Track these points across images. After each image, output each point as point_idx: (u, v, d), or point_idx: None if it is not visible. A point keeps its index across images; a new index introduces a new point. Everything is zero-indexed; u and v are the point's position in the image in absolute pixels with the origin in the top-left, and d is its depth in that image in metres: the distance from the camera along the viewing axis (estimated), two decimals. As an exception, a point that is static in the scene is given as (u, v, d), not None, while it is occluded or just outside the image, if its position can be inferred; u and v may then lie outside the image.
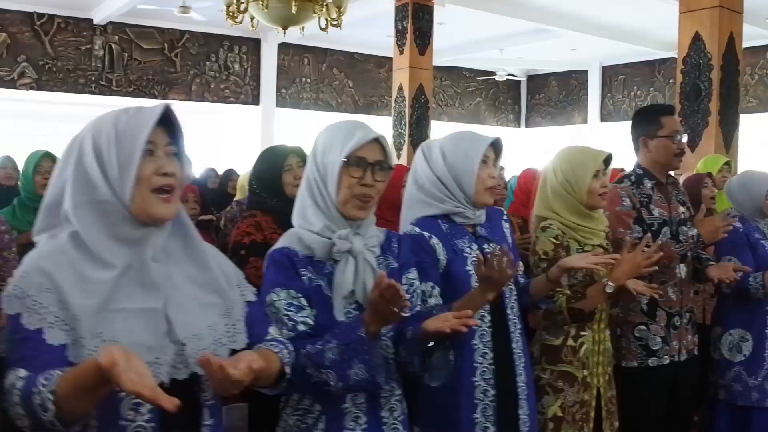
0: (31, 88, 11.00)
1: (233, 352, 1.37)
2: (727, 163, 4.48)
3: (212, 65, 12.51)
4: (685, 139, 2.82)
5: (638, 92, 14.37)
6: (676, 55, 13.60)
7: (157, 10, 10.62)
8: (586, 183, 2.35)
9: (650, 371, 2.66)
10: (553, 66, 15.29)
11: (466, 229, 2.10)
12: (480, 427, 1.98)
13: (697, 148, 6.64)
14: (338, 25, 6.65)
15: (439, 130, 15.29)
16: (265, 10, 6.22)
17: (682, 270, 2.73)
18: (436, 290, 1.94)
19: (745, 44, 12.77)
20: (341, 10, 6.48)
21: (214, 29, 12.01)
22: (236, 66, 12.74)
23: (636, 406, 2.63)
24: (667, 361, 2.69)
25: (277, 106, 13.08)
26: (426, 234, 2.03)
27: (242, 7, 6.33)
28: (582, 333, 2.35)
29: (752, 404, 3.04)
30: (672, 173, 2.95)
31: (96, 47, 11.48)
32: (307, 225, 1.73)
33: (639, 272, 2.19)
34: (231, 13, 6.39)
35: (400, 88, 9.70)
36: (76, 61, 11.35)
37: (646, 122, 2.81)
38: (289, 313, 1.64)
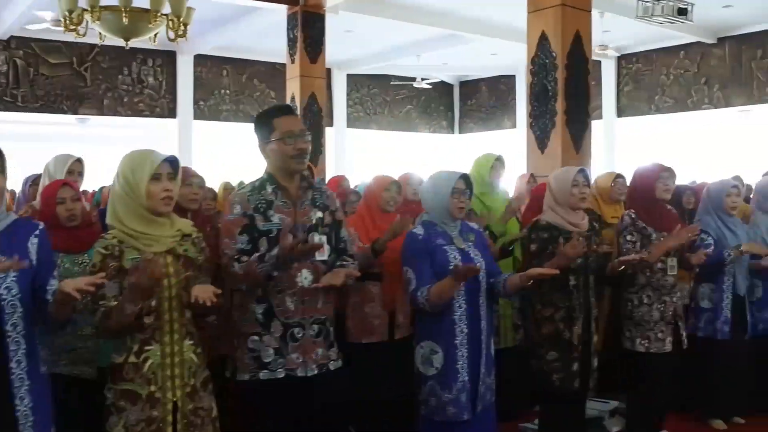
0: (-70, 106, 10.90)
1: None
2: (498, 159, 4.31)
3: (125, 79, 12.45)
4: (309, 138, 2.63)
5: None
6: (597, 58, 13.68)
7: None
8: (144, 185, 2.23)
9: (262, 385, 2.51)
10: (483, 71, 15.27)
11: None
12: None
13: (546, 150, 6.59)
14: (183, 35, 6.58)
15: (361, 138, 15.24)
16: (97, 22, 6.15)
17: (304, 279, 2.57)
18: None
19: (661, 44, 12.89)
20: (180, 20, 6.40)
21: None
22: (150, 79, 12.68)
23: (253, 423, 2.52)
24: (282, 375, 2.52)
25: (194, 118, 13.03)
26: None
27: (77, 18, 6.23)
28: (147, 348, 2.20)
29: (449, 419, 2.89)
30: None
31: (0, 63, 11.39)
32: None
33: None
34: (67, 26, 6.30)
35: (293, 98, 9.62)
36: (-22, 77, 11.27)
37: (261, 128, 2.66)
38: None
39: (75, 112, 12.07)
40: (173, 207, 2.32)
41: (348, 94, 14.85)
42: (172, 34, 6.62)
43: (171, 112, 12.85)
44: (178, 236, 2.31)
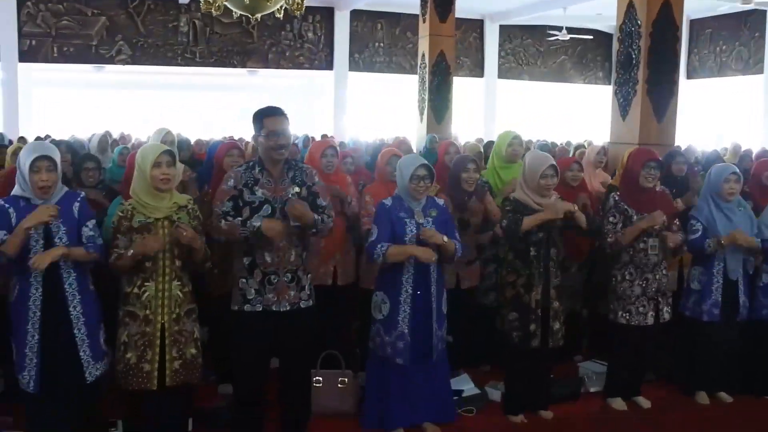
0: (127, 63, 12.90)
1: None
2: (516, 137, 4.64)
3: (287, 35, 13.70)
4: (288, 135, 3.27)
5: (724, 47, 13.46)
6: (762, 8, 12.73)
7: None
8: (149, 170, 3.07)
9: (246, 315, 3.29)
10: (643, 20, 14.65)
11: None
12: None
13: (627, 117, 6.67)
14: (300, 8, 7.43)
15: (513, 89, 15.35)
16: (226, 2, 7.17)
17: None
18: None
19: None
20: (296, -4, 7.24)
21: (288, 1, 13.17)
22: (310, 34, 13.82)
23: (235, 345, 3.37)
24: (260, 309, 3.27)
25: (350, 70, 14.01)
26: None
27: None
28: (146, 284, 3.11)
29: (387, 356, 3.58)
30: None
31: (181, 24, 13.11)
32: None
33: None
34: (204, 5, 7.41)
35: (423, 55, 10.17)
36: (164, 37, 13.07)
37: (255, 123, 3.31)
38: None
39: (244, 66, 13.57)
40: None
41: (500, 45, 15.04)
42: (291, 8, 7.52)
43: (328, 65, 13.96)
44: (174, 207, 3.18)
